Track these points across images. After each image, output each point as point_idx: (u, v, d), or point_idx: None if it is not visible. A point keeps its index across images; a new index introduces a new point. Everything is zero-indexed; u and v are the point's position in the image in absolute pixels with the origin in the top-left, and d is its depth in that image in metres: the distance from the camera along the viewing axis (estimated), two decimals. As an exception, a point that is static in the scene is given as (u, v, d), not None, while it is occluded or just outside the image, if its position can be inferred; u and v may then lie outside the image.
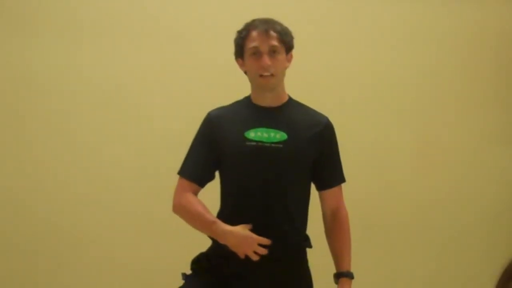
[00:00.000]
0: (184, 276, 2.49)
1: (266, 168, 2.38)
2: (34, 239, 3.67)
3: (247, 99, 2.52)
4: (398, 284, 3.72)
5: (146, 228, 3.70)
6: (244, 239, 2.32)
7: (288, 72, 2.48)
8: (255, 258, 2.33)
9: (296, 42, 2.48)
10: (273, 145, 2.38)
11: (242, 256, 2.34)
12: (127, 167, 3.70)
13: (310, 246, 2.53)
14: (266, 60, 2.38)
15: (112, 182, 3.70)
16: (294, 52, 2.48)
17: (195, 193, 2.47)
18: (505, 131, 3.80)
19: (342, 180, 2.57)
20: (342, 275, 2.46)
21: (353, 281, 2.49)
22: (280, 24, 2.44)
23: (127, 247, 3.71)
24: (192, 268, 2.50)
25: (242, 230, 2.34)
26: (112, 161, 3.69)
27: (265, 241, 2.34)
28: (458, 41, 3.78)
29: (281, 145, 2.38)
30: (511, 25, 3.81)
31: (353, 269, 2.49)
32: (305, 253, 2.51)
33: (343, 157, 2.58)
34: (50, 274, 3.68)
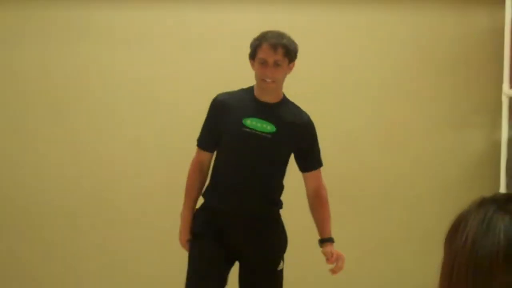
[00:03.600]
0: (191, 241, 3.00)
1: (255, 150, 2.93)
2: (32, 239, 3.75)
3: (251, 89, 2.97)
4: (370, 240, 4.12)
5: (147, 227, 3.82)
6: (180, 233, 2.99)
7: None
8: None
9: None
10: (263, 134, 2.91)
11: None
12: (125, 166, 3.80)
13: (281, 207, 3.05)
14: (270, 71, 2.84)
15: (111, 181, 3.79)
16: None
17: (209, 158, 3.00)
18: (455, 118, 4.15)
19: (320, 165, 3.07)
20: (325, 240, 3.01)
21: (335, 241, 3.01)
22: (288, 38, 2.88)
23: (127, 246, 3.82)
24: (193, 232, 3.00)
25: (184, 232, 2.97)
26: (111, 160, 3.79)
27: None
28: (417, 43, 4.10)
29: (269, 135, 2.91)
30: (463, 26, 4.10)
31: (333, 233, 3.00)
32: (278, 213, 3.05)
33: (323, 141, 3.04)
34: (48, 274, 3.76)
